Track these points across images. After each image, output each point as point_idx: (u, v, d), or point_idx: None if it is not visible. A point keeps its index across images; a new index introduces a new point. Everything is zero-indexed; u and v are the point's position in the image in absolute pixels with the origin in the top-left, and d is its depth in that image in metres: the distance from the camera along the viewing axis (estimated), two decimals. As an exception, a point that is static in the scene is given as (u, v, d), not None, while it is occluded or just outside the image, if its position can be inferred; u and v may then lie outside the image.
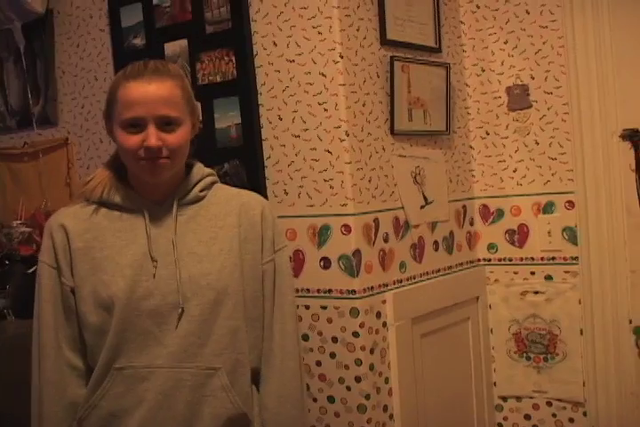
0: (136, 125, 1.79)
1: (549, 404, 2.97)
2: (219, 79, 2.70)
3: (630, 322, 2.80)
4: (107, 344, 1.82)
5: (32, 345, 1.91)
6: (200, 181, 1.94)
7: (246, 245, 1.92)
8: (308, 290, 2.57)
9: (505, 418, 3.07)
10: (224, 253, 1.88)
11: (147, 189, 1.89)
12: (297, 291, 2.58)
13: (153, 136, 1.77)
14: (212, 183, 1.98)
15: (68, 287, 1.87)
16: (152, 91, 1.79)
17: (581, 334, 2.87)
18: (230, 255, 1.89)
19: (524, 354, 2.99)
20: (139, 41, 2.92)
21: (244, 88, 2.64)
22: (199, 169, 1.97)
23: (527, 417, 3.02)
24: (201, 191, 1.93)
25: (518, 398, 3.03)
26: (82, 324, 1.87)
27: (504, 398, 3.06)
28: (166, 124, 1.80)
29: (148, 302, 1.81)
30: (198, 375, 1.82)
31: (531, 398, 3.00)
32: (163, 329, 1.81)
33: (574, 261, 2.87)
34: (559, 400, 2.95)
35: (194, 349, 1.82)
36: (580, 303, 2.86)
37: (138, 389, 1.82)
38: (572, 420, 2.93)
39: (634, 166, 2.75)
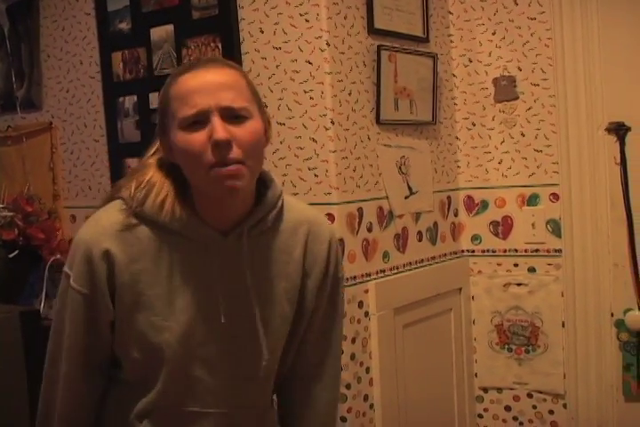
0: (198, 122, 1.44)
1: (530, 395, 2.98)
2: (205, 65, 2.68)
3: (612, 315, 2.81)
4: (152, 388, 1.57)
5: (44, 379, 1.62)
6: (275, 204, 1.59)
7: (307, 280, 1.65)
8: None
9: (485, 409, 3.07)
10: (288, 295, 1.63)
11: (212, 213, 1.53)
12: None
13: (220, 127, 1.42)
14: (282, 204, 1.62)
15: (104, 320, 1.55)
16: (211, 78, 1.46)
17: (563, 326, 2.88)
18: (292, 296, 1.63)
19: (506, 346, 2.99)
20: (124, 25, 2.89)
21: (229, 75, 2.62)
22: (275, 188, 1.60)
23: (507, 409, 3.02)
24: (275, 219, 1.59)
25: (499, 390, 3.04)
26: (120, 354, 1.60)
27: (485, 390, 3.07)
28: (234, 116, 1.45)
29: (206, 349, 1.56)
30: (249, 415, 1.67)
31: (511, 389, 3.01)
32: (213, 374, 1.59)
33: (557, 254, 2.87)
34: (540, 392, 2.96)
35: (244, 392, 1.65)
36: (562, 296, 2.87)
37: None
38: (552, 411, 2.94)
39: (619, 160, 2.74)
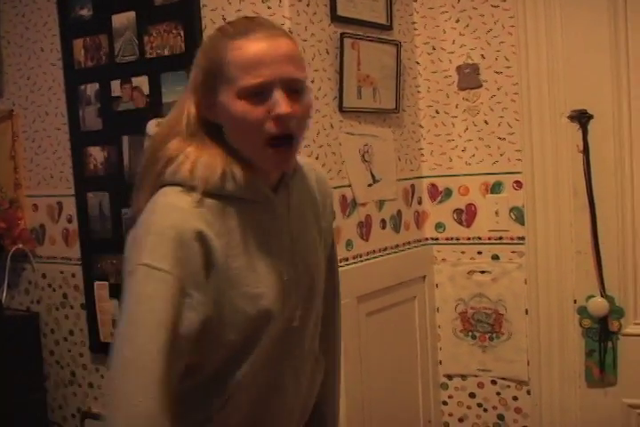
0: (259, 93, 1.42)
1: (494, 382, 2.99)
2: (167, 53, 2.66)
3: (575, 302, 2.82)
4: (247, 360, 1.52)
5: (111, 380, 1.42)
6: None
7: (322, 222, 1.71)
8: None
9: (450, 396, 3.09)
10: (320, 240, 1.67)
11: (261, 172, 1.51)
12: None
13: (284, 101, 1.41)
14: None
15: (194, 309, 1.42)
16: (275, 47, 1.43)
17: (526, 313, 2.89)
18: (321, 240, 1.68)
19: (470, 333, 3.00)
20: (85, 12, 2.86)
21: (191, 62, 2.58)
22: None
23: (472, 395, 3.04)
24: (301, 168, 1.64)
25: (463, 377, 3.05)
26: (211, 345, 1.51)
27: (449, 377, 3.08)
28: (294, 90, 1.44)
29: (294, 303, 1.58)
30: (310, 360, 1.70)
31: (475, 376, 3.02)
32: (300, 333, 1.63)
33: (521, 241, 2.88)
34: (503, 379, 2.98)
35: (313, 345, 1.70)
36: (525, 283, 2.88)
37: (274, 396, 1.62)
38: (515, 398, 2.96)
39: (582, 147, 2.75)
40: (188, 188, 1.44)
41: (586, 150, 2.75)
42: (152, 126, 1.53)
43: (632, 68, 2.68)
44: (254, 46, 1.42)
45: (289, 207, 1.57)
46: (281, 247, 1.55)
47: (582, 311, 2.80)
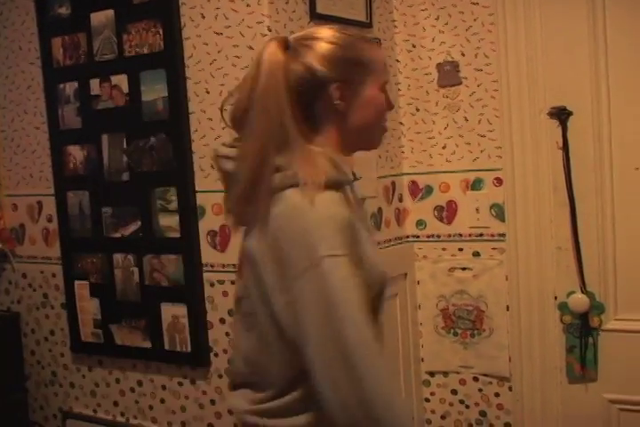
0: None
1: (476, 379, 3.00)
2: (145, 51, 2.65)
3: (555, 298, 2.84)
4: None
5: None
6: None
7: None
8: (233, 265, 2.53)
9: (432, 393, 3.09)
10: None
11: (348, 159, 1.76)
12: (222, 266, 2.58)
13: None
14: None
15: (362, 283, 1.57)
16: None
17: (508, 309, 2.90)
18: None
19: (452, 330, 3.01)
20: (64, 10, 2.85)
21: (170, 60, 2.60)
22: None
23: (454, 392, 3.05)
24: None
25: (445, 374, 3.06)
26: None
27: (431, 374, 3.09)
28: None
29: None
30: None
31: (457, 373, 3.03)
32: None
33: (501, 238, 2.89)
34: (485, 375, 2.98)
35: None
36: (506, 280, 2.89)
37: None
38: (497, 394, 2.96)
39: (561, 144, 2.76)
40: (316, 185, 1.56)
41: (565, 147, 2.76)
42: (221, 148, 1.67)
43: (611, 64, 2.69)
44: (380, 51, 1.85)
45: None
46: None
47: (563, 307, 2.81)
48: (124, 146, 2.74)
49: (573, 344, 2.81)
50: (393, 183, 2.97)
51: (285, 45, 1.64)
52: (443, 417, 3.07)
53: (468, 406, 3.02)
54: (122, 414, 2.97)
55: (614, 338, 2.79)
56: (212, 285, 2.62)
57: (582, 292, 2.79)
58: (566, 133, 2.76)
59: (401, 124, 3.01)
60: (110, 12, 2.72)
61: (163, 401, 2.84)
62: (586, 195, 2.76)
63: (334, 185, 1.59)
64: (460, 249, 2.96)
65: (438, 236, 3.00)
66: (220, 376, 2.66)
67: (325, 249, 1.51)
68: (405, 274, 3.00)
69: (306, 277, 1.50)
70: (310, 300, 1.50)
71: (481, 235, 2.92)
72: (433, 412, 3.09)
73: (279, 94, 1.59)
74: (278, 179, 1.58)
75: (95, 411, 3.04)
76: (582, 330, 2.80)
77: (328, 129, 1.68)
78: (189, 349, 2.69)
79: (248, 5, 2.44)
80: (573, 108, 2.74)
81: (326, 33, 1.68)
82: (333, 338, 1.48)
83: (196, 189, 2.62)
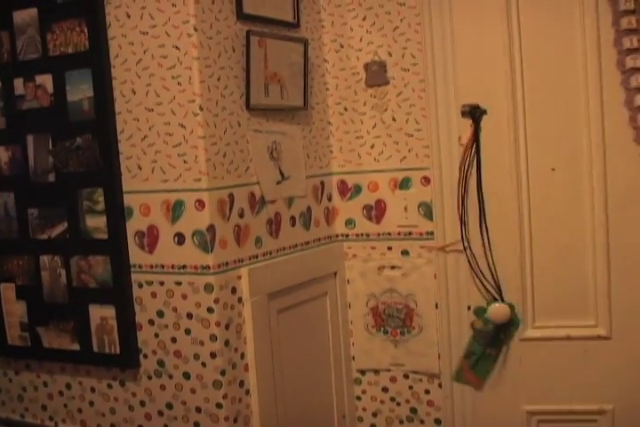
0: None
1: (406, 376, 3.03)
2: (70, 50, 2.61)
3: (469, 308, 2.89)
4: None
5: None
6: None
7: None
8: (162, 266, 2.54)
9: (363, 391, 3.11)
10: None
11: None
12: (151, 267, 2.56)
13: None
14: None
15: None
16: None
17: (436, 307, 2.93)
18: None
19: (382, 328, 3.03)
20: (-14, 9, 2.80)
21: (96, 60, 2.57)
22: None
23: (385, 390, 3.07)
24: None
25: (376, 372, 3.08)
26: None
27: (362, 372, 3.10)
28: None
29: None
30: None
31: (388, 371, 3.05)
32: None
33: (430, 236, 2.91)
34: (416, 373, 3.01)
35: None
36: (435, 278, 2.92)
37: None
38: (427, 391, 3.00)
39: (464, 141, 2.79)
40: None
41: (477, 146, 2.78)
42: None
43: (526, 63, 2.72)
44: None
45: None
46: None
47: (478, 312, 2.86)
48: (50, 146, 2.71)
49: (473, 351, 2.87)
50: (322, 183, 2.98)
51: None
52: (374, 415, 3.10)
53: (399, 404, 3.05)
54: (50, 418, 2.93)
55: (533, 347, 2.84)
56: (140, 286, 2.61)
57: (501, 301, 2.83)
58: (478, 132, 2.78)
59: (329, 123, 3.02)
60: (34, 11, 2.68)
61: (92, 404, 2.81)
62: (501, 194, 2.79)
63: None
64: (390, 248, 2.98)
65: (367, 235, 3.02)
66: (150, 378, 2.65)
67: None
68: (335, 273, 3.01)
69: None
70: None
71: (410, 233, 2.95)
72: (364, 410, 3.11)
73: None
74: None
75: (23, 416, 3.00)
76: (493, 338, 2.83)
77: None
78: (118, 350, 2.67)
79: (174, 5, 2.43)
80: (487, 106, 2.77)
81: None
82: None
83: (124, 189, 2.60)
